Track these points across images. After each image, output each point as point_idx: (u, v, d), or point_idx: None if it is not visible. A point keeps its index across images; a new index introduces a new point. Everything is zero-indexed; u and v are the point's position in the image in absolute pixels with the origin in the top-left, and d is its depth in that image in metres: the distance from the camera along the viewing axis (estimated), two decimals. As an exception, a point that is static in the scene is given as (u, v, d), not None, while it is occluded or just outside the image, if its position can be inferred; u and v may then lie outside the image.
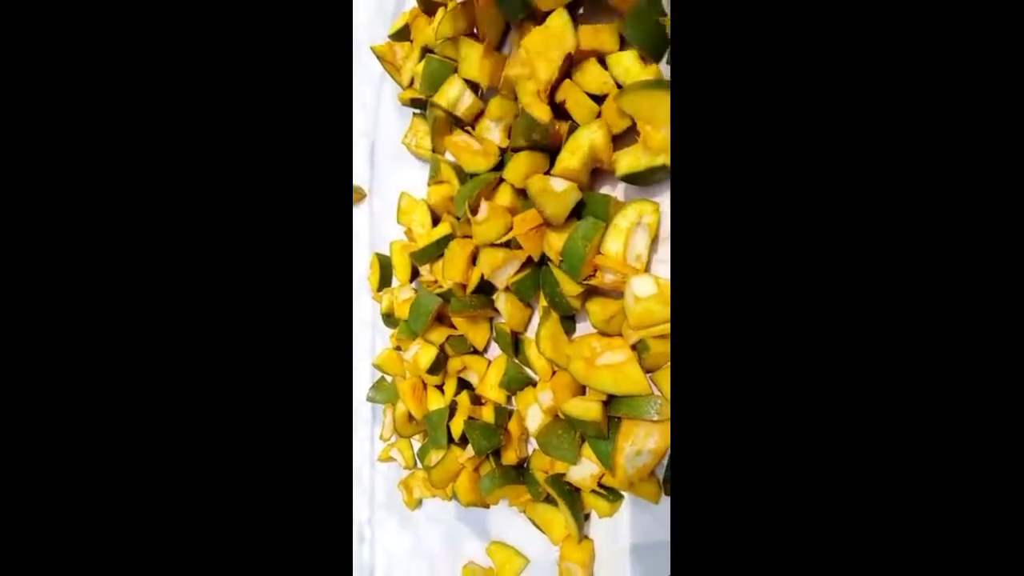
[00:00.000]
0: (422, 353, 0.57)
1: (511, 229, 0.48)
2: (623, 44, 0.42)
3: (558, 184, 0.43)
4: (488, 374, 0.55)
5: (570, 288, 0.43)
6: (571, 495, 0.47)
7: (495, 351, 0.56)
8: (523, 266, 0.49)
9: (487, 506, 0.54)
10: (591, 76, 0.43)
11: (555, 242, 0.44)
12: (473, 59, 0.49)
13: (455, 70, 0.52)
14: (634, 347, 0.43)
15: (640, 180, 0.42)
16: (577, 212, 0.45)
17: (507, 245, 0.49)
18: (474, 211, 0.48)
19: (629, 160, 0.41)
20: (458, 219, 0.53)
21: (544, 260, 0.47)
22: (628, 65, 0.41)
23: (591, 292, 0.44)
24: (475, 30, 0.52)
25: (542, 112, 0.43)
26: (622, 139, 0.43)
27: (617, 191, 0.46)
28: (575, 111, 0.44)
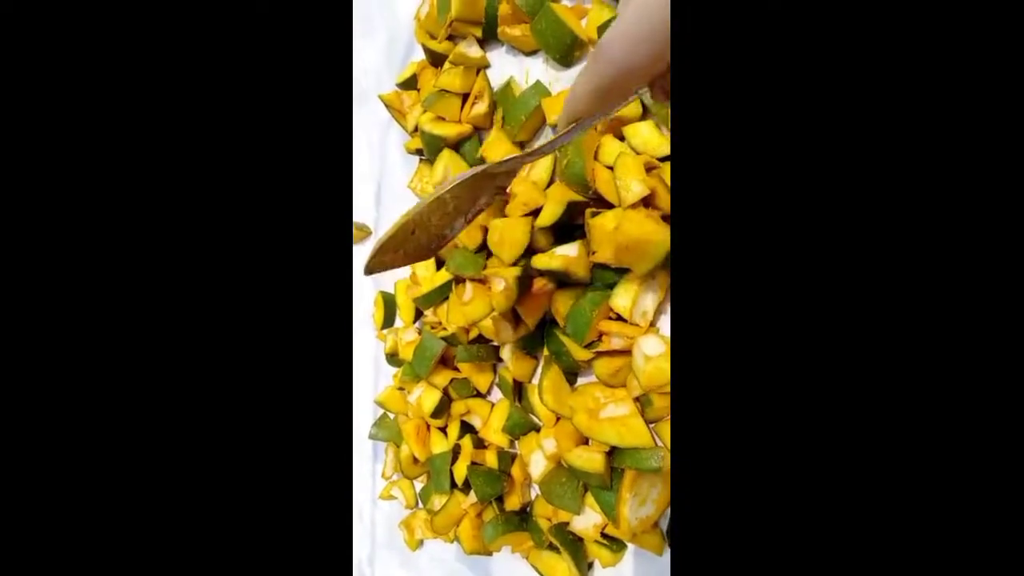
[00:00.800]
0: (426, 396, 0.57)
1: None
2: (644, 113, 0.44)
3: None
4: (491, 418, 0.55)
5: (580, 354, 0.44)
6: (574, 544, 0.47)
7: (498, 394, 0.56)
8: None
9: (490, 553, 0.54)
10: (607, 152, 0.44)
11: (561, 306, 0.45)
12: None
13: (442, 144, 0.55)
14: (637, 399, 0.43)
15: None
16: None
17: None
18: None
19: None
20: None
21: (549, 319, 0.48)
22: (646, 136, 0.42)
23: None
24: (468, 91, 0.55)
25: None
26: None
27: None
28: None
